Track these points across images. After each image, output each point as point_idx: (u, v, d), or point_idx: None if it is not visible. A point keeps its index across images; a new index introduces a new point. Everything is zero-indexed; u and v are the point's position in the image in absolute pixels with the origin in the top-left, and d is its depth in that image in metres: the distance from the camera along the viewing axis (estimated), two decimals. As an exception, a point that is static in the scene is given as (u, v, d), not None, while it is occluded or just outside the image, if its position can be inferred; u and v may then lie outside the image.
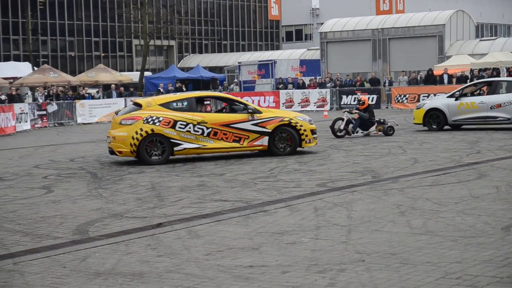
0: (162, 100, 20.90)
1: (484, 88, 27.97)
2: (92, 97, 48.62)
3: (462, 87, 29.26)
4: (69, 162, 21.71)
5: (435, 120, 27.73)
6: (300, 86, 51.66)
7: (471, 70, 50.87)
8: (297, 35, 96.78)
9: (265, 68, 57.55)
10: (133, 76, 65.44)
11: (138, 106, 20.70)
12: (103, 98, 48.05)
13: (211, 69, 75.42)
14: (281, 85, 52.49)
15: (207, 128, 20.33)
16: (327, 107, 47.02)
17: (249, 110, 20.88)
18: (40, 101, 44.36)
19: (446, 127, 27.66)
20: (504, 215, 11.05)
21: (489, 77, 45.56)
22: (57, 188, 16.18)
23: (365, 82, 51.93)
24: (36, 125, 40.89)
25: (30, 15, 68.34)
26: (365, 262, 8.64)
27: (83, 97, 47.29)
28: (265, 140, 20.76)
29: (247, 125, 20.65)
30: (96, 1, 77.81)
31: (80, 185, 16.45)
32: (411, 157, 19.33)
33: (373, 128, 26.73)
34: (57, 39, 75.48)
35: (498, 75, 47.84)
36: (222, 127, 20.47)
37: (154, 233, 10.82)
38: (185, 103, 20.63)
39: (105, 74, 58.65)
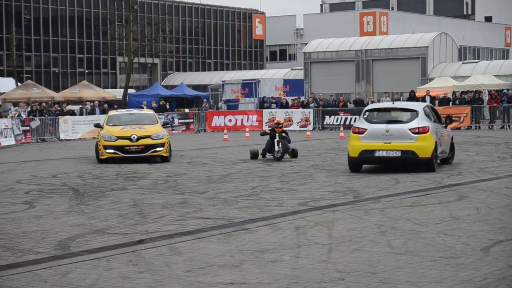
0: None
1: None
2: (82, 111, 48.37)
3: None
4: (52, 178, 21.67)
5: None
6: (283, 105, 51.80)
7: (454, 92, 51.23)
8: (281, 54, 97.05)
9: (249, 87, 57.64)
10: (117, 93, 65.35)
11: None
12: (86, 114, 47.94)
13: (195, 87, 75.41)
14: (265, 104, 52.62)
15: None
16: (310, 127, 47.18)
17: None
18: (24, 116, 44.20)
19: None
20: (483, 236, 11.13)
21: (471, 99, 45.87)
22: (39, 203, 16.15)
23: (348, 103, 52.14)
24: (21, 140, 40.71)
25: (14, 31, 68.19)
26: (345, 281, 8.69)
27: (66, 114, 47.12)
28: None
29: None
30: (81, 18, 77.76)
31: (62, 201, 16.44)
32: (392, 178, 19.43)
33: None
34: (41, 55, 75.32)
35: (480, 97, 48.16)
36: None
37: (135, 249, 10.84)
38: None
39: (88, 91, 58.53)
